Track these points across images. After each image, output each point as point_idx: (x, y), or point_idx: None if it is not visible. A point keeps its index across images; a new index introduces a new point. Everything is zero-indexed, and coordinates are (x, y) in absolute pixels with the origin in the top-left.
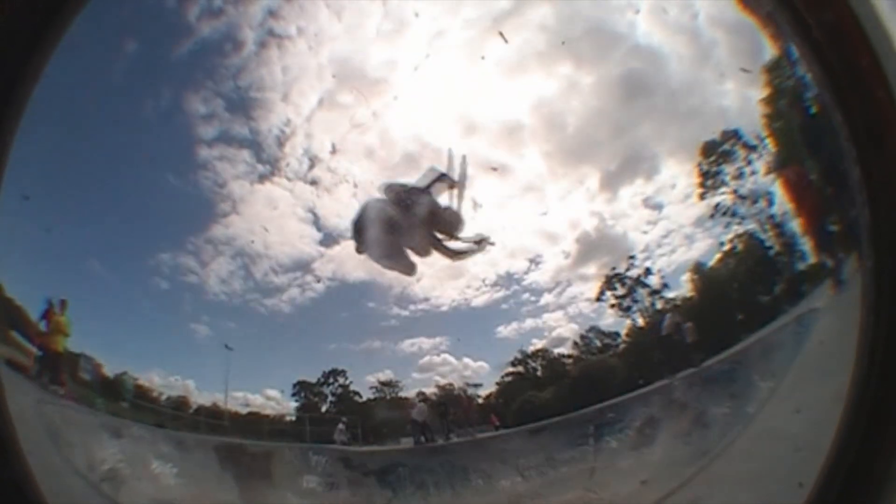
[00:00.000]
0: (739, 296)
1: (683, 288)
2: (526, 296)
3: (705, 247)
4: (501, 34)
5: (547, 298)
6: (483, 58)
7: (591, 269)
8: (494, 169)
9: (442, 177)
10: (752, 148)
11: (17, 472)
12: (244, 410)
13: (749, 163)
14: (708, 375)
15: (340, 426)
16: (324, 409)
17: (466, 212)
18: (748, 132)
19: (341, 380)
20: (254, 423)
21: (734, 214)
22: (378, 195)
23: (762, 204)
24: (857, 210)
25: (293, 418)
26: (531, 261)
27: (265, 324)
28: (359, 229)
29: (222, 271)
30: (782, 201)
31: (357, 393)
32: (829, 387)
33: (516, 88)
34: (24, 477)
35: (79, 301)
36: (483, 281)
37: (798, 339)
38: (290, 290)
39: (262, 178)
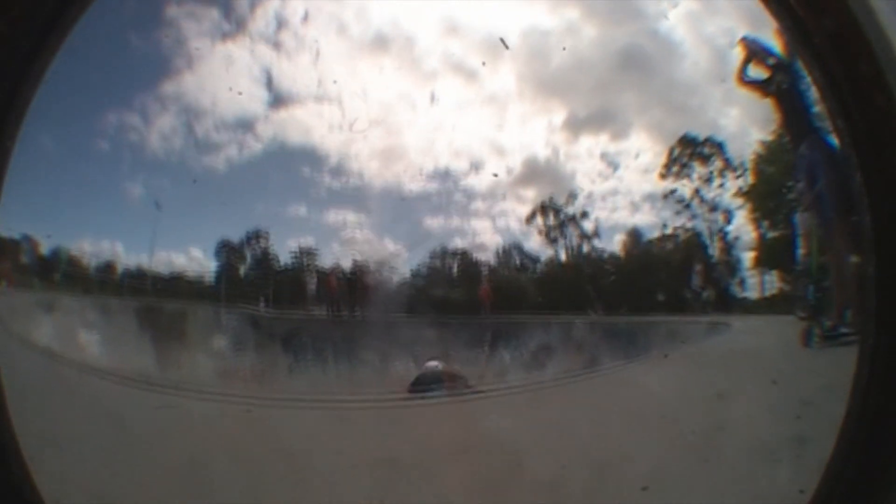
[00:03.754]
0: (665, 279)
1: (614, 244)
2: (458, 196)
3: (648, 221)
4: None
5: (478, 205)
6: None
7: (529, 192)
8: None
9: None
10: (732, 168)
11: (17, 477)
12: (167, 271)
13: (722, 176)
14: (611, 330)
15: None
16: (242, 271)
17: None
18: (734, 154)
19: (263, 243)
20: (174, 285)
21: (687, 207)
22: None
23: (719, 217)
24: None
25: (212, 280)
26: (473, 165)
27: (199, 182)
28: None
29: (164, 128)
30: (739, 226)
31: (276, 257)
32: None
33: (514, 7)
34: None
35: (19, 167)
36: (420, 170)
37: (708, 336)
38: (228, 148)
39: (225, 37)
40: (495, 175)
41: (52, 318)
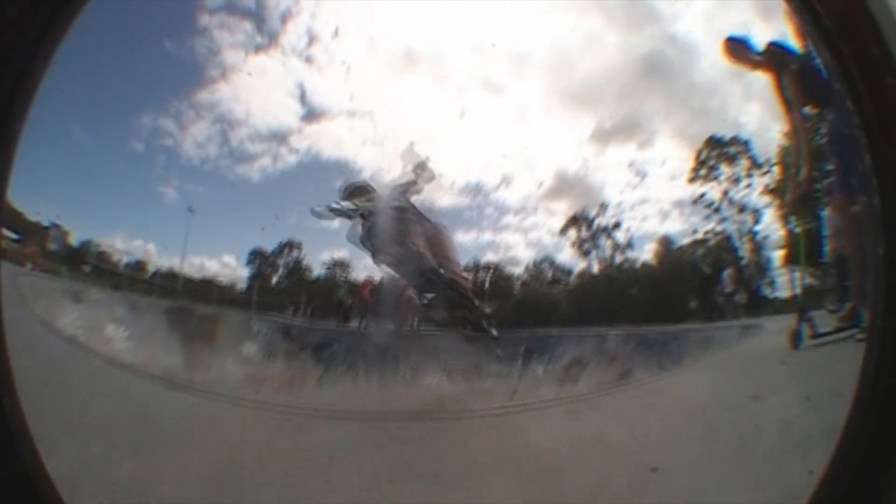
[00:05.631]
0: (697, 285)
1: (646, 253)
2: (490, 210)
3: (678, 227)
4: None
5: (510, 219)
6: None
7: (560, 205)
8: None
9: None
10: (757, 165)
11: (28, 465)
12: (198, 275)
13: (749, 175)
14: (643, 339)
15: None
16: (274, 280)
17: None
18: (759, 151)
19: (296, 253)
20: (206, 289)
21: (717, 210)
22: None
23: (748, 217)
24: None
25: (244, 286)
26: (504, 179)
27: (233, 190)
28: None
29: (200, 135)
30: (768, 224)
31: (309, 268)
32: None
33: (538, 21)
34: (36, 471)
35: (54, 163)
36: (452, 184)
37: (739, 341)
38: (262, 158)
39: (258, 49)
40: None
41: (80, 308)
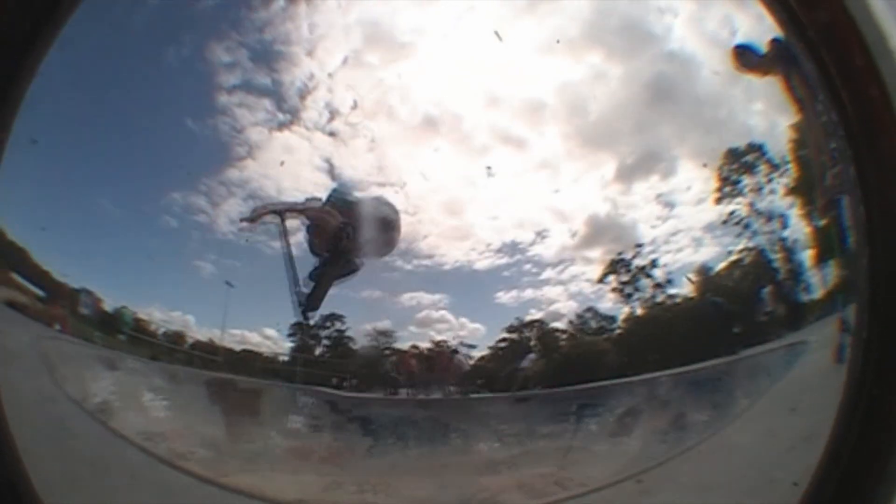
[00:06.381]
0: (740, 308)
1: (686, 287)
2: (528, 266)
3: (712, 252)
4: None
5: (549, 273)
6: (513, 36)
7: (595, 252)
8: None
9: None
10: (775, 167)
11: (12, 472)
12: (239, 347)
13: (769, 181)
14: (694, 379)
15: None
16: (317, 351)
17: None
18: (773, 151)
19: (338, 324)
20: (247, 361)
21: (747, 227)
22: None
23: (776, 225)
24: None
25: (286, 359)
26: (538, 234)
27: (269, 264)
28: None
29: (232, 212)
30: (796, 228)
31: (352, 339)
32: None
33: (544, 68)
34: (21, 478)
35: (84, 235)
36: (488, 245)
37: (787, 367)
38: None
39: (281, 127)
40: (489, 168)
41: (112, 376)
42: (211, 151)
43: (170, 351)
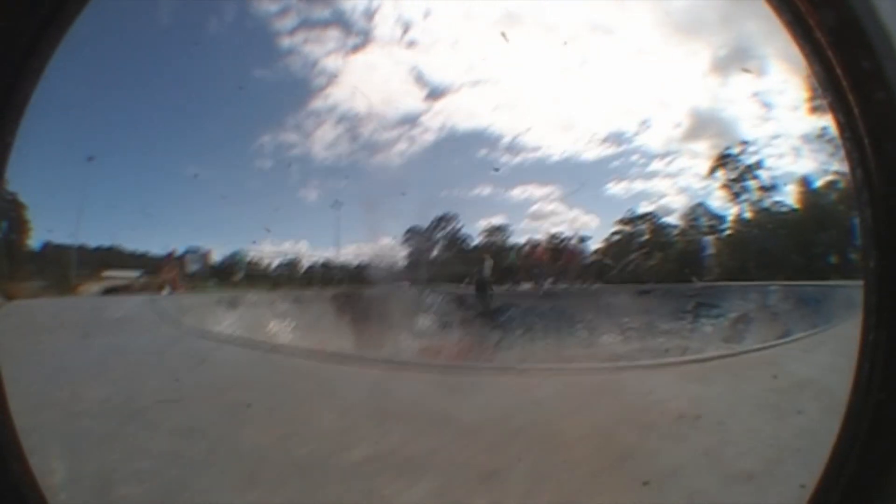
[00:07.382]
0: (834, 237)
1: (790, 197)
2: (635, 157)
3: (811, 166)
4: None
5: (656, 165)
6: None
7: (701, 146)
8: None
9: None
10: None
11: (17, 475)
12: (356, 261)
13: None
14: (801, 294)
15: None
16: (435, 253)
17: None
18: None
19: (452, 224)
20: (366, 272)
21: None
22: None
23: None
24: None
25: (405, 263)
26: (642, 123)
27: (375, 178)
28: None
29: (327, 138)
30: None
31: (469, 236)
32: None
33: None
34: (25, 480)
35: (183, 201)
36: (593, 135)
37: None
38: (398, 144)
39: (356, 49)
40: (496, 169)
41: (239, 311)
42: (289, 91)
43: (289, 278)
